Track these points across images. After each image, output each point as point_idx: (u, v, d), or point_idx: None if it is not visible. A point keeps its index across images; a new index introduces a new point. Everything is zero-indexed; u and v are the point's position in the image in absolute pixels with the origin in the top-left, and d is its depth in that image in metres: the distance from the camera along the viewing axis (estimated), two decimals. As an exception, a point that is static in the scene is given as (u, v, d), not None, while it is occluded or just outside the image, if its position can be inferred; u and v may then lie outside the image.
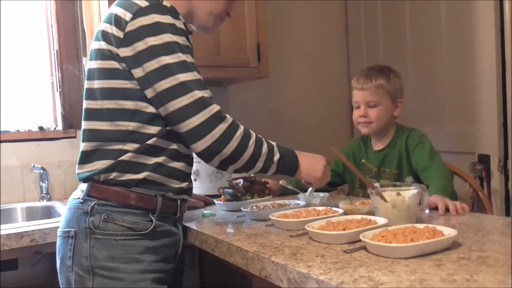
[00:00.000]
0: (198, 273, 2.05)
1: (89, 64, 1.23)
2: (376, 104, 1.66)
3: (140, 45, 1.14)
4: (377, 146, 1.75)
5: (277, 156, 1.23)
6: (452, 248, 0.95)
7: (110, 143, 1.18)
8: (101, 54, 1.19)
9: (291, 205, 1.47)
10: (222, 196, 1.66)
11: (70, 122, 2.17)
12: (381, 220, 1.11)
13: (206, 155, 1.17)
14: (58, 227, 1.27)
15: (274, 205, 1.47)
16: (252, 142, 1.20)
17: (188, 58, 1.17)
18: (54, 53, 2.17)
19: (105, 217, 1.16)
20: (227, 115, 1.18)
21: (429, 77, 2.37)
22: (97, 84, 1.20)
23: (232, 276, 1.54)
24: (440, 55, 2.30)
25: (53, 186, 2.12)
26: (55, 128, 2.18)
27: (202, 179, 1.94)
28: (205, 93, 1.15)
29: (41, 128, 2.14)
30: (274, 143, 1.26)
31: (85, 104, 1.23)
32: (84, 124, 1.23)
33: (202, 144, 1.14)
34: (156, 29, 1.14)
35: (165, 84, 1.13)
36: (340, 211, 1.29)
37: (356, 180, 1.79)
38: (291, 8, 2.68)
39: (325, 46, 2.81)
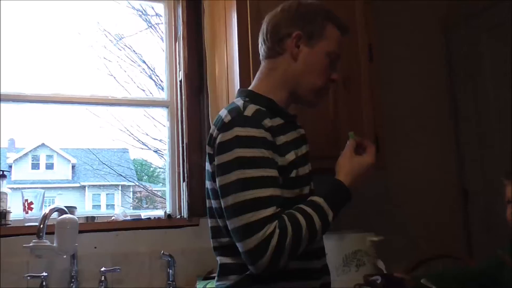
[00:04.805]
0: None
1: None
2: None
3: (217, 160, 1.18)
4: None
5: (330, 215, 1.17)
6: None
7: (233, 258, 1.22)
8: (208, 174, 1.26)
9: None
10: (359, 293, 1.62)
11: (194, 210, 2.27)
12: None
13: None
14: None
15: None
16: (304, 232, 1.12)
17: (254, 172, 1.12)
18: (183, 146, 2.33)
19: None
20: (273, 225, 1.09)
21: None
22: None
23: None
24: None
25: (177, 273, 2.18)
26: (181, 216, 2.29)
27: (328, 272, 1.92)
28: (258, 215, 1.09)
29: (169, 216, 2.26)
30: (321, 201, 1.17)
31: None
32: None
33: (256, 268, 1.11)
34: (231, 145, 1.15)
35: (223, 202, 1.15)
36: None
37: None
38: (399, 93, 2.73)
39: (432, 132, 2.80)
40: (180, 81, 2.41)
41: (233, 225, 1.12)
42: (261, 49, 1.35)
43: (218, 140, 1.18)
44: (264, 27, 1.34)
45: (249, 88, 1.35)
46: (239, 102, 1.26)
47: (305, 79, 1.30)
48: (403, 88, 2.75)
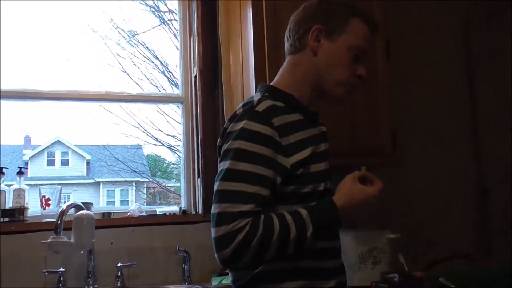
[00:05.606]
0: None
1: None
2: None
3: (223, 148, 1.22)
4: None
5: (310, 231, 1.13)
6: None
7: None
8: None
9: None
10: (377, 290, 1.61)
11: (209, 206, 2.27)
12: None
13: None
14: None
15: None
16: (274, 238, 1.10)
17: (246, 166, 1.13)
18: (198, 142, 2.33)
19: None
20: (245, 221, 1.09)
21: None
22: None
23: None
24: None
25: (192, 269, 2.18)
26: (196, 212, 2.29)
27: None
28: (234, 208, 1.10)
29: (184, 212, 2.26)
30: (304, 213, 1.14)
31: None
32: None
33: (219, 257, 1.12)
34: (236, 135, 1.18)
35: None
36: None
37: None
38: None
39: (451, 130, 2.77)
40: (195, 77, 2.41)
41: (212, 210, 1.13)
42: (285, 45, 1.36)
43: (228, 130, 1.22)
44: (288, 25, 1.35)
45: (271, 83, 1.34)
46: (257, 97, 1.26)
47: (328, 74, 1.28)
48: (422, 86, 2.71)
